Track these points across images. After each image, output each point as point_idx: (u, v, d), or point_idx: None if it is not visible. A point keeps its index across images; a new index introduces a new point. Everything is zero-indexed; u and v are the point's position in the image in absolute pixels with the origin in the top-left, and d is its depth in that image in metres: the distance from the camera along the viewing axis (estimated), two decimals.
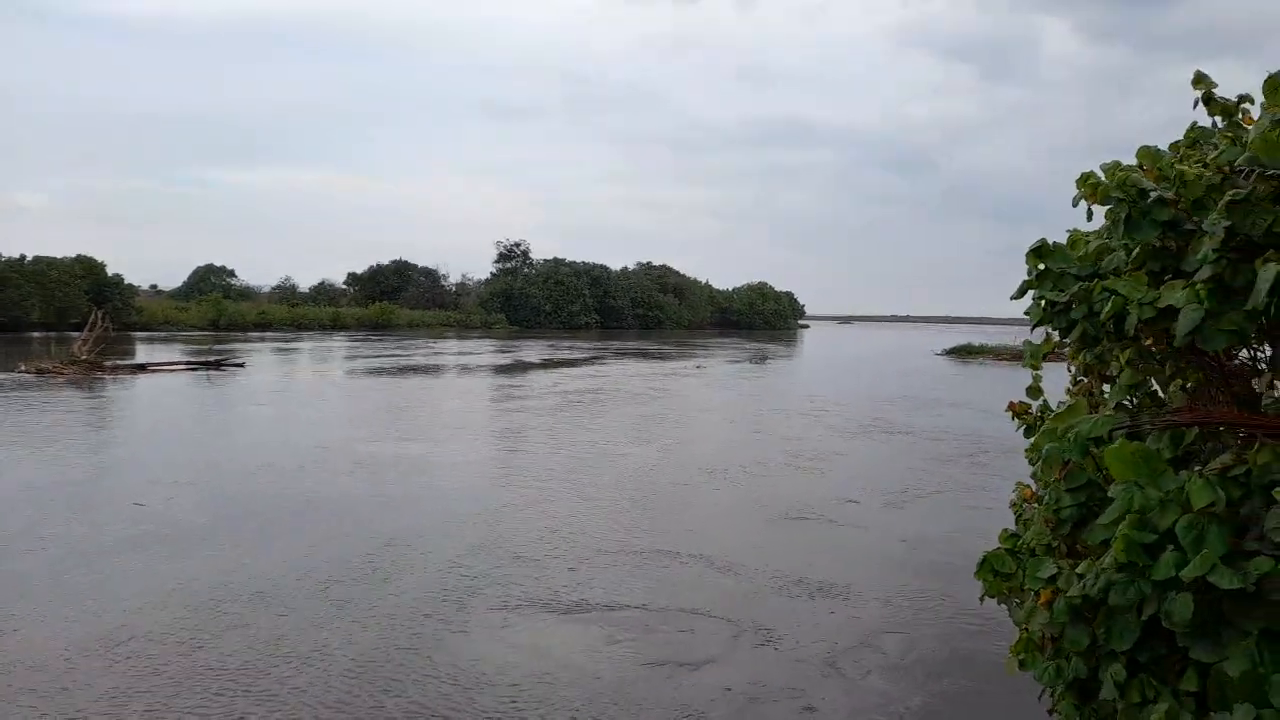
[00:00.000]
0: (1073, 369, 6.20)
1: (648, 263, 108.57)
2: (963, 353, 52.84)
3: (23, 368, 28.34)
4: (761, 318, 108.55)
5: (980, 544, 9.46)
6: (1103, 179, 6.12)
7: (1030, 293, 5.91)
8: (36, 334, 56.67)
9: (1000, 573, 4.44)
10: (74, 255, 67.37)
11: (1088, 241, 6.05)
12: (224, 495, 11.15)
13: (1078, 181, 6.13)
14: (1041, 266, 5.48)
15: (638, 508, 10.90)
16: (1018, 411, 6.63)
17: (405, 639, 6.45)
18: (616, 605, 7.31)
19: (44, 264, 64.41)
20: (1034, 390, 6.61)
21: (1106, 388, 6.27)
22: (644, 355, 47.75)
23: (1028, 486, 6.54)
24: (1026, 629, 4.09)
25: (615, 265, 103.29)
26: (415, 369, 34.71)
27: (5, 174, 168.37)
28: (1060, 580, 3.66)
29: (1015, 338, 62.23)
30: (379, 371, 32.79)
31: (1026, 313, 6.25)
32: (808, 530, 10.05)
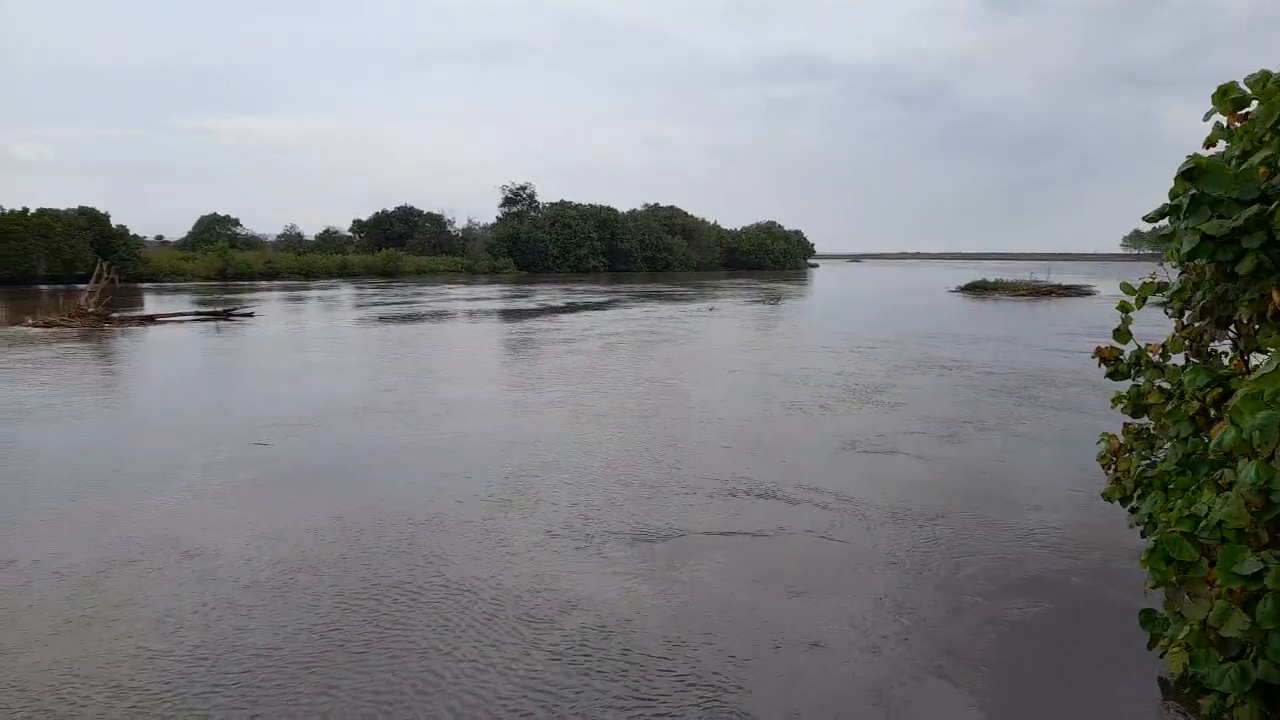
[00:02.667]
0: (1171, 312, 5.92)
1: (655, 204, 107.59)
2: (978, 289, 52.70)
3: (30, 321, 27.90)
4: (771, 257, 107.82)
5: (1051, 474, 9.37)
6: (1247, 91, 5.71)
7: (1165, 220, 5.50)
8: (44, 287, 56.40)
9: (1178, 560, 3.73)
10: (77, 207, 66.67)
11: (1229, 163, 5.64)
12: (332, 439, 11.16)
13: (1214, 97, 5.73)
14: (1193, 192, 5.08)
15: (725, 443, 10.92)
16: (1106, 357, 6.39)
17: (552, 569, 6.51)
18: (738, 532, 7.37)
19: (48, 216, 63.81)
20: (1123, 334, 6.29)
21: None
22: (663, 298, 47.57)
23: (1114, 437, 6.35)
24: (1196, 623, 3.52)
25: (622, 207, 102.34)
26: (440, 314, 34.58)
27: (4, 126, 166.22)
28: (1269, 578, 3.17)
29: (1031, 273, 62.07)
30: (406, 318, 32.67)
31: (1159, 238, 5.90)
32: (894, 462, 10.08)
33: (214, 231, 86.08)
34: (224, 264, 72.51)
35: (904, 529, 7.55)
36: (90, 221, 66.09)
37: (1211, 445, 4.76)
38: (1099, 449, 6.56)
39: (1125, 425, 6.47)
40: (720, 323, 30.79)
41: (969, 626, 5.58)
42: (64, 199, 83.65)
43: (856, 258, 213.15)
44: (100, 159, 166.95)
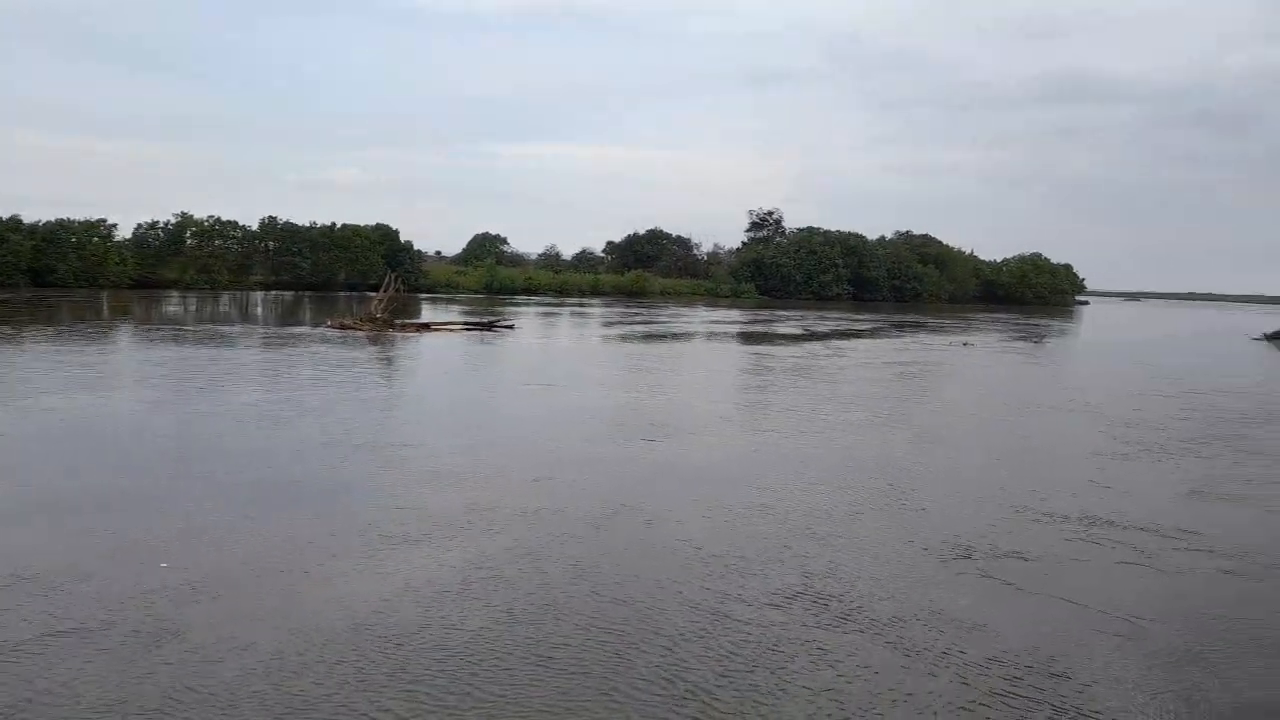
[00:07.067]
0: None
1: (907, 232, 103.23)
2: None
3: (329, 323, 31.11)
4: (1033, 292, 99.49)
5: None
6: None
7: None
8: (342, 293, 63.16)
9: None
10: (374, 224, 74.27)
11: None
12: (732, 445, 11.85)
13: None
14: None
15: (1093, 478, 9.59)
16: None
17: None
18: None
19: (350, 231, 71.54)
20: None
21: None
22: (925, 328, 45.07)
23: None
24: None
25: (873, 234, 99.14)
26: (702, 335, 34.77)
27: (327, 153, 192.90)
28: None
29: None
30: (656, 337, 33.02)
31: None
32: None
33: (484, 249, 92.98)
34: (490, 279, 77.96)
35: None
36: (383, 237, 73.32)
37: None
38: None
39: None
40: (1014, 358, 28.41)
41: None
42: (363, 215, 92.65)
43: (1134, 296, 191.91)
44: (396, 180, 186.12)
